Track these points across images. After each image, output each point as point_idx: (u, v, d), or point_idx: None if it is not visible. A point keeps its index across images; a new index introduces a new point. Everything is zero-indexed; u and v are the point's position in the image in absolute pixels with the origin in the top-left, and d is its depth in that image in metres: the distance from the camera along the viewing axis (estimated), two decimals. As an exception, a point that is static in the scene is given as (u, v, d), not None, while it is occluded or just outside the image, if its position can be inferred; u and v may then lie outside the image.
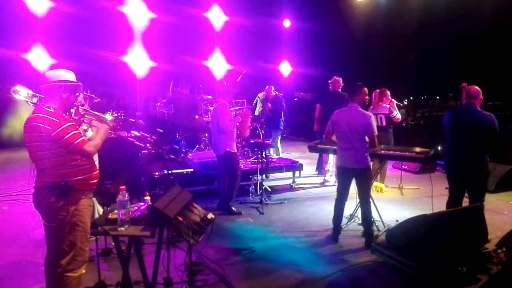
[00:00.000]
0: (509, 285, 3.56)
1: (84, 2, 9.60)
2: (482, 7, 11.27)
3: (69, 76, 3.04)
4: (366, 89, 4.80)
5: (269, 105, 8.72)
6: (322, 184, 7.66)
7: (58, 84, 2.96)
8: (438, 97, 15.77)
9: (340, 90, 7.54)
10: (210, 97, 9.09)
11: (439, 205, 5.11)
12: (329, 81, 7.68)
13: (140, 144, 4.40)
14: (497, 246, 4.23)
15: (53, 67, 3.23)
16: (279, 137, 9.15)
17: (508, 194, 6.71)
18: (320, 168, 8.10)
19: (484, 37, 11.82)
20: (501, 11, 10.78)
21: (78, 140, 2.86)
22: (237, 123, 5.86)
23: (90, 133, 3.40)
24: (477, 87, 4.51)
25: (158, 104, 9.26)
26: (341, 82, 7.57)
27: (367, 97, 4.88)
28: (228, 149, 5.66)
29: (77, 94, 3.22)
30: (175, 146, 7.74)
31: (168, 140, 8.17)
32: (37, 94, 3.18)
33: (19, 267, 4.08)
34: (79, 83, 3.12)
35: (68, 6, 9.53)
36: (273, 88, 9.08)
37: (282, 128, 9.05)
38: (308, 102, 8.44)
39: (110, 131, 3.26)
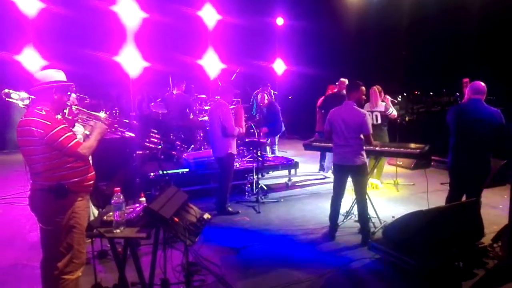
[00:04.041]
0: (504, 279, 3.59)
1: (76, 2, 9.52)
2: (474, 1, 11.32)
3: (59, 76, 2.98)
4: (364, 88, 4.80)
5: (264, 110, 8.55)
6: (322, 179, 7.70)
7: (49, 85, 2.91)
8: (431, 93, 15.80)
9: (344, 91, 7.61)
10: (204, 96, 9.05)
11: (435, 200, 5.12)
12: (336, 83, 7.81)
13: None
14: (493, 241, 4.26)
15: (45, 68, 3.17)
16: (277, 139, 9.04)
17: (503, 189, 6.74)
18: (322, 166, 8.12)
19: (476, 31, 11.86)
20: (493, 6, 10.84)
21: (72, 143, 2.82)
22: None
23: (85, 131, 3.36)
24: (483, 83, 4.41)
25: (152, 104, 9.21)
26: (346, 83, 7.63)
27: (363, 97, 4.89)
28: (230, 151, 5.61)
29: (69, 93, 3.17)
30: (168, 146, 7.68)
31: (162, 140, 8.14)
32: (30, 97, 3.13)
33: (15, 271, 4.04)
34: (70, 83, 3.08)
35: (59, 7, 9.45)
36: (266, 96, 8.54)
37: (282, 130, 8.86)
38: (306, 102, 8.41)
39: (107, 129, 3.20)
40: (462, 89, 4.71)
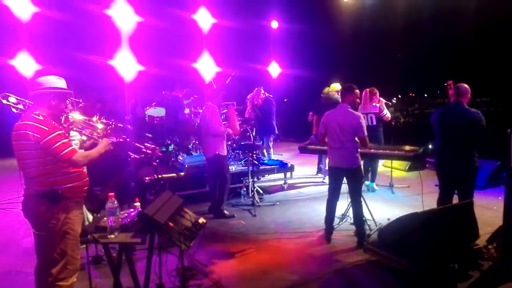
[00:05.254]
0: (499, 280, 3.60)
1: (70, 6, 9.49)
2: (468, 3, 11.41)
3: (59, 82, 2.99)
4: (358, 91, 4.83)
5: (260, 101, 8.62)
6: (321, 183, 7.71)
7: (48, 91, 2.90)
8: (425, 95, 15.91)
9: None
10: (197, 97, 9.05)
11: (430, 202, 5.14)
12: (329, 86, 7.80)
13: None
14: (488, 242, 4.27)
15: (39, 73, 3.16)
16: (271, 140, 9.05)
17: (497, 190, 6.78)
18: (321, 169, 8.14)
19: (471, 33, 11.94)
20: (487, 7, 10.93)
21: (67, 150, 2.81)
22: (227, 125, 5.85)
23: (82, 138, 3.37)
24: (466, 85, 4.52)
25: (147, 108, 9.20)
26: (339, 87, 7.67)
27: (358, 100, 4.92)
28: (217, 152, 5.63)
29: (67, 101, 3.17)
30: (160, 154, 7.68)
31: (158, 144, 8.13)
32: (26, 101, 3.12)
33: (8, 277, 4.01)
34: (70, 90, 3.07)
35: (53, 11, 9.42)
36: (262, 91, 8.79)
37: (276, 132, 8.89)
38: (301, 104, 8.47)
39: (111, 145, 3.19)
40: (447, 91, 4.78)
